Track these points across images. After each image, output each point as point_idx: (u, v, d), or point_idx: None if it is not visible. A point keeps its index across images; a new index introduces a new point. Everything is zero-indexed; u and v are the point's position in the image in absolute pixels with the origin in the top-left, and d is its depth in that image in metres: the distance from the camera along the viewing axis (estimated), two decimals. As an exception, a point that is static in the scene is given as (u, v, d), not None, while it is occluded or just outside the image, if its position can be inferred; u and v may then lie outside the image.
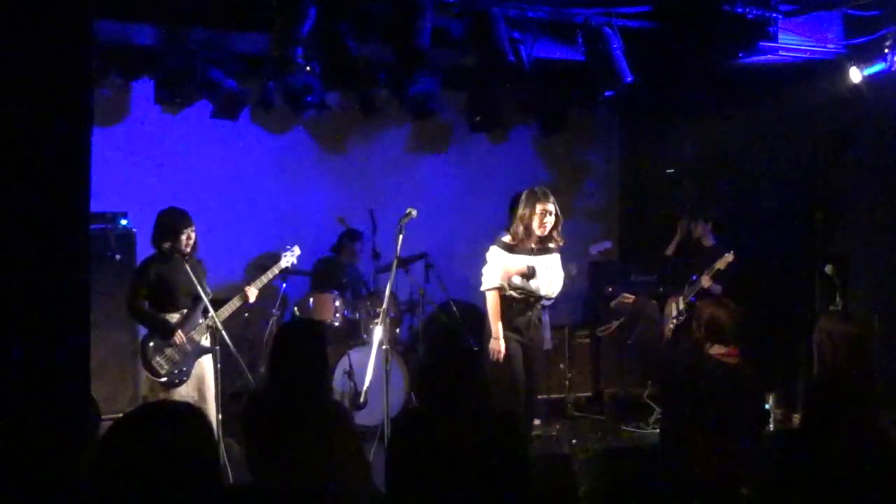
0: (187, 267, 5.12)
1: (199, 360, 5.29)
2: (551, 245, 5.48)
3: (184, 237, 5.18)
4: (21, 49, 2.79)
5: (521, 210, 5.39)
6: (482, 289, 5.44)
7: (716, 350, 4.27)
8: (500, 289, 5.35)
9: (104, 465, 1.94)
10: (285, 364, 3.49)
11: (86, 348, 3.02)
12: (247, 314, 7.39)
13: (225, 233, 7.57)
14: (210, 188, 7.73)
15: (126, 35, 6.20)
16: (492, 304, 5.36)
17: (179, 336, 5.19)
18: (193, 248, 5.26)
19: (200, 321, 5.28)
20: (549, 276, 5.44)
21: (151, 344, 5.18)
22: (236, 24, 5.97)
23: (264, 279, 5.57)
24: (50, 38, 2.82)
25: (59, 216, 2.87)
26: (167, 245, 5.17)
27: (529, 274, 5.35)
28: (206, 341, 5.31)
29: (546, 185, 8.66)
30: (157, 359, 5.16)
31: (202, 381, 5.30)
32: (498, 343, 5.28)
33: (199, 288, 5.13)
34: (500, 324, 5.30)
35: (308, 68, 6.18)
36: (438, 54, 6.02)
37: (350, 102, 7.80)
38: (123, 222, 6.63)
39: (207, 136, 7.65)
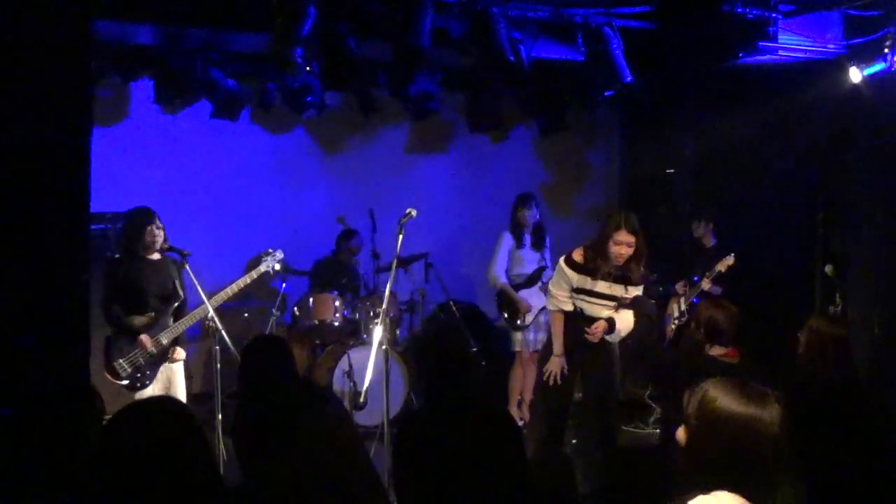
0: (186, 267, 5.11)
1: (168, 363, 5.26)
2: (631, 278, 4.99)
3: (146, 234, 5.14)
4: (21, 49, 2.79)
5: (602, 230, 4.99)
6: (548, 307, 5.26)
7: (715, 351, 4.28)
8: (563, 311, 5.10)
9: (97, 465, 1.94)
10: (250, 383, 3.52)
11: (86, 348, 3.02)
12: (246, 314, 7.40)
13: (224, 233, 7.59)
14: (210, 188, 7.73)
15: (126, 35, 6.20)
16: (553, 322, 5.18)
17: (146, 340, 5.13)
18: (161, 245, 5.20)
19: (170, 323, 5.24)
20: (616, 303, 5.07)
21: (115, 346, 5.12)
22: (236, 24, 5.97)
23: (235, 287, 5.43)
24: (50, 38, 2.83)
25: (59, 216, 2.87)
26: (167, 244, 5.19)
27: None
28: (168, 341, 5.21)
29: (546, 185, 8.78)
30: (120, 360, 5.10)
31: (168, 385, 5.25)
32: (558, 361, 5.08)
33: (172, 289, 5.12)
34: (561, 342, 5.08)
35: (308, 68, 6.18)
36: (438, 54, 6.02)
37: (350, 102, 7.80)
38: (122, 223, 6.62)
39: (207, 136, 7.65)
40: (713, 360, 4.24)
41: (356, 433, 3.59)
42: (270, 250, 5.81)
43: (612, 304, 5.07)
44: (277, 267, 5.79)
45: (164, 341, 5.18)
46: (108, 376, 5.13)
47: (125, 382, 5.10)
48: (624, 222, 4.86)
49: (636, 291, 5.09)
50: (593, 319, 5.06)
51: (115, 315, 5.15)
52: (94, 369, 5.86)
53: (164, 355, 5.21)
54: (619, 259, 4.88)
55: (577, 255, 5.03)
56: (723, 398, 2.18)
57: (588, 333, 5.00)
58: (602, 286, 5.00)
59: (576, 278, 5.02)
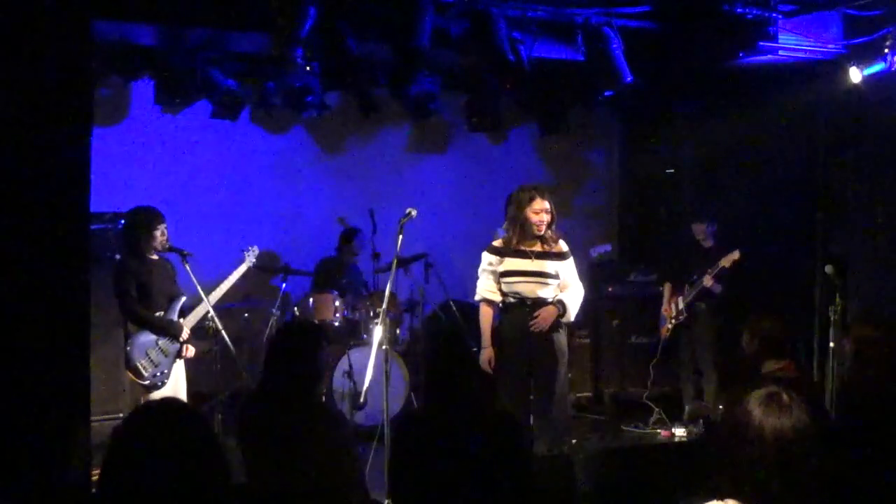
0: (185, 266, 5.13)
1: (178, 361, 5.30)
2: (557, 249, 5.16)
3: (158, 234, 5.18)
4: (21, 49, 2.79)
5: (514, 209, 5.16)
6: (476, 298, 5.32)
7: (771, 366, 3.94)
8: (489, 301, 5.20)
9: (111, 468, 1.93)
10: (280, 365, 3.50)
11: (86, 348, 3.02)
12: (247, 314, 7.39)
13: (224, 233, 7.58)
14: (210, 188, 7.73)
15: (126, 35, 6.19)
16: (481, 314, 5.26)
17: (187, 331, 5.22)
18: (164, 245, 5.24)
19: (180, 321, 5.28)
20: (555, 282, 5.12)
21: (136, 345, 5.12)
22: (236, 24, 5.97)
23: (229, 283, 5.56)
24: (50, 38, 2.83)
25: (59, 216, 2.87)
26: (169, 244, 5.21)
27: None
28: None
29: (546, 185, 8.75)
30: (142, 361, 5.11)
31: (178, 384, 5.29)
32: (485, 353, 5.14)
33: (175, 288, 5.18)
34: (488, 334, 5.17)
35: (308, 68, 6.18)
36: (438, 54, 6.02)
37: (350, 102, 7.80)
38: (123, 222, 6.62)
39: (207, 136, 7.65)
40: (770, 375, 3.87)
41: (353, 445, 3.59)
42: (249, 246, 5.92)
43: (548, 280, 5.08)
44: (255, 261, 5.93)
45: (183, 337, 5.26)
46: (131, 375, 5.15)
47: (147, 382, 5.11)
48: (537, 192, 5.11)
49: (567, 267, 5.15)
50: (536, 306, 5.07)
51: (140, 314, 5.15)
52: (107, 368, 5.90)
53: (178, 353, 5.26)
54: (540, 227, 5.06)
55: (496, 241, 5.24)
56: (748, 406, 2.15)
57: (532, 323, 5.02)
58: (525, 263, 5.08)
59: (496, 260, 5.15)
